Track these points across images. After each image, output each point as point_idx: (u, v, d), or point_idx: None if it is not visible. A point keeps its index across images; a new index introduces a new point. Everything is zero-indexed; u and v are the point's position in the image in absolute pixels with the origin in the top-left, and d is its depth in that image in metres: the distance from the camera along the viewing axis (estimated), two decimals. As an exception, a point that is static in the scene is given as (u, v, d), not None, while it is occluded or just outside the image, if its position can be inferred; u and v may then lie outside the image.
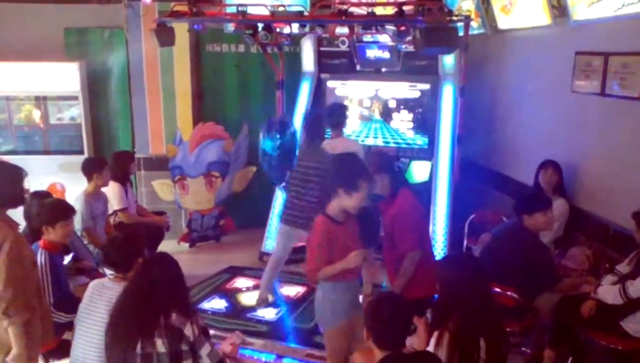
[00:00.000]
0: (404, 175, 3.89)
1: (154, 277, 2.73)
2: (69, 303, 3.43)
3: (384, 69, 6.01)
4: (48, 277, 3.45)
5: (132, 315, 2.69)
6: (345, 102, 6.06)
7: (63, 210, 3.68)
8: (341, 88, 6.24)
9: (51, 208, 3.66)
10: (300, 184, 4.67)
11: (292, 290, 5.33)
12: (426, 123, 5.87)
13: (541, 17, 4.82)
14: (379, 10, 4.87)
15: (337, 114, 5.14)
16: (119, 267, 3.07)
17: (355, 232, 3.24)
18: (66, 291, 3.60)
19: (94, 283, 3.10)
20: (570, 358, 3.69)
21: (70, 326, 3.23)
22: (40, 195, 4.16)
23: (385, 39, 5.59)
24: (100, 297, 2.97)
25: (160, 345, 2.62)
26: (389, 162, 3.79)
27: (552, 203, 3.97)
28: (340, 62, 6.22)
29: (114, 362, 2.72)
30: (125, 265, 3.06)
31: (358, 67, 6.11)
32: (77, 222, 4.50)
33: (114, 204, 5.19)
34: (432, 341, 2.60)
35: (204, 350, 2.72)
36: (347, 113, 5.52)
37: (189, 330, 2.67)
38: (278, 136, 4.60)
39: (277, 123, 4.74)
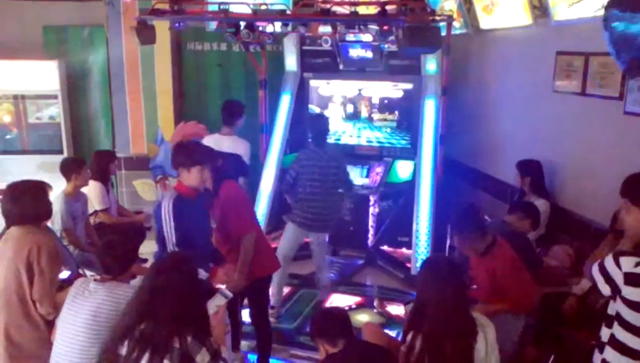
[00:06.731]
0: (228, 170, 3.84)
1: (163, 285, 2.44)
2: None
3: (367, 69, 6.01)
4: None
5: (140, 329, 2.43)
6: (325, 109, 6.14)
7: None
8: (324, 87, 6.23)
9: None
10: (317, 185, 4.69)
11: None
12: (409, 122, 5.89)
13: (522, 17, 4.85)
14: (362, 10, 4.86)
15: (235, 112, 5.28)
16: (115, 272, 3.00)
17: None
18: None
19: (78, 283, 3.02)
20: (552, 357, 3.71)
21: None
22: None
23: (368, 38, 5.59)
24: (84, 299, 2.89)
25: None
26: (210, 156, 3.60)
27: (528, 214, 4.11)
28: (324, 61, 6.20)
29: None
30: (121, 270, 3.01)
31: (341, 67, 6.11)
32: (57, 223, 4.44)
33: (95, 204, 5.11)
34: (407, 340, 2.64)
35: None
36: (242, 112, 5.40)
37: (201, 357, 2.41)
38: None
39: None
